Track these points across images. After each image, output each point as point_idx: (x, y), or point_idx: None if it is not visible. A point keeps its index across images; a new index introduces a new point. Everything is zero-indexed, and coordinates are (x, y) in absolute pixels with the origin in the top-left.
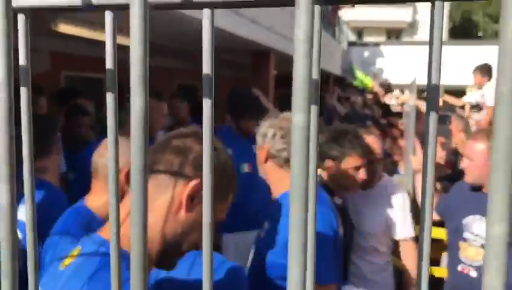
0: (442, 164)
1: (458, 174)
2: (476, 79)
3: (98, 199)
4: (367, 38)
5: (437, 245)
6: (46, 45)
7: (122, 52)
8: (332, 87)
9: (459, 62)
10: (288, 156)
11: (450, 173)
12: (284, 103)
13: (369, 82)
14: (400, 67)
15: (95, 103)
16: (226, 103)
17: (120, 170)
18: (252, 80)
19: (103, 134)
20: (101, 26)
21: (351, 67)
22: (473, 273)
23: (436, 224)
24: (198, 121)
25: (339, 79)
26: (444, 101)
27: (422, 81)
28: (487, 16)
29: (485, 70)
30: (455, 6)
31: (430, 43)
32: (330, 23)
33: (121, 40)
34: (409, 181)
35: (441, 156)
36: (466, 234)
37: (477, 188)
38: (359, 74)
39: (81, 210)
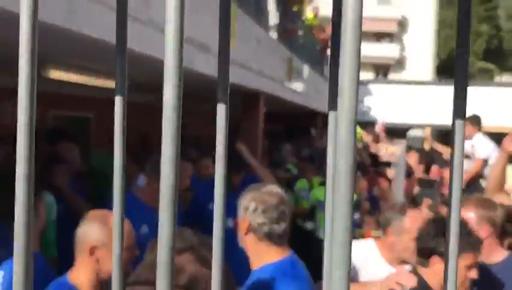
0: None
1: None
2: (465, 129)
3: (81, 274)
4: None
5: None
6: None
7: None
8: (322, 126)
9: (447, 102)
10: (269, 230)
11: None
12: (273, 139)
13: (358, 131)
14: (387, 106)
15: (81, 144)
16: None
17: (93, 249)
18: (243, 120)
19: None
20: (92, 72)
21: None
22: None
23: None
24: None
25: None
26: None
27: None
28: (473, 53)
29: (474, 121)
30: (442, 44)
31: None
32: (319, 61)
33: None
34: None
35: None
36: None
37: None
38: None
39: (65, 288)
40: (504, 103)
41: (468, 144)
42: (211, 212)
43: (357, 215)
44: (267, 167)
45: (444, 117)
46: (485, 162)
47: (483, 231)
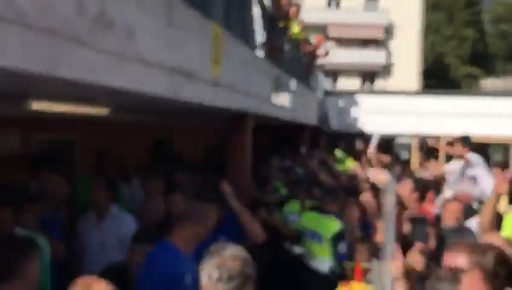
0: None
1: None
2: (456, 150)
3: None
4: (342, 81)
5: None
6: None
7: None
8: (309, 144)
9: (434, 111)
10: None
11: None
12: (261, 152)
13: (350, 163)
14: (375, 116)
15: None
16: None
17: None
18: (230, 141)
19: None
20: (74, 100)
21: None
22: None
23: None
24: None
25: (316, 129)
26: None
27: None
28: (459, 57)
29: (466, 141)
30: (428, 49)
31: None
32: (306, 74)
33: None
34: None
35: (419, 263)
36: None
37: None
38: (340, 155)
39: None
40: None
41: (458, 165)
42: None
43: (343, 246)
44: (253, 184)
45: (433, 126)
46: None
47: (474, 276)
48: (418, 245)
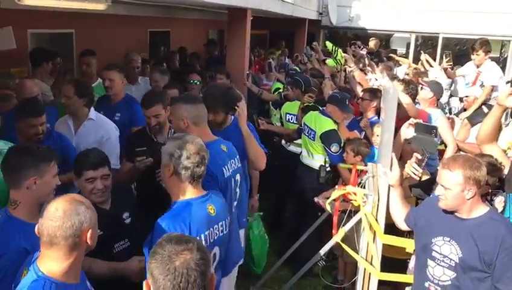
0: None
1: (432, 181)
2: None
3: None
4: None
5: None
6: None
7: None
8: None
9: (435, 8)
10: (191, 174)
11: (423, 180)
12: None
13: (340, 55)
14: (376, 13)
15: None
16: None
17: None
18: (230, 36)
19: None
20: None
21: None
22: None
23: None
24: None
25: (314, 22)
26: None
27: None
28: None
29: (484, 47)
30: None
31: None
32: None
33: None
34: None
35: (416, 173)
36: (434, 253)
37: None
38: (330, 45)
39: None
40: None
41: (473, 70)
42: None
43: (336, 148)
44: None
45: (428, 24)
46: (492, 89)
47: (469, 191)
48: (415, 156)
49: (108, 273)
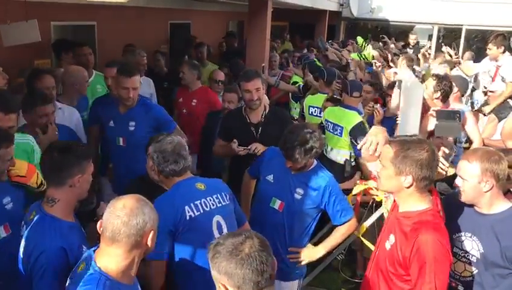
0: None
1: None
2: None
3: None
4: None
5: None
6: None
7: None
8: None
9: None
10: (170, 170)
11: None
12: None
13: (368, 55)
14: (398, 4)
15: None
16: None
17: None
18: (251, 25)
19: None
20: None
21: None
22: (461, 288)
23: None
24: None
25: (335, 14)
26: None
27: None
28: None
29: (499, 42)
30: None
31: None
32: None
33: None
34: None
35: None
36: (456, 249)
37: (469, 205)
38: (360, 40)
39: None
40: None
41: (491, 65)
42: None
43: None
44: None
45: (452, 16)
46: None
47: (486, 183)
48: (443, 150)
49: None
